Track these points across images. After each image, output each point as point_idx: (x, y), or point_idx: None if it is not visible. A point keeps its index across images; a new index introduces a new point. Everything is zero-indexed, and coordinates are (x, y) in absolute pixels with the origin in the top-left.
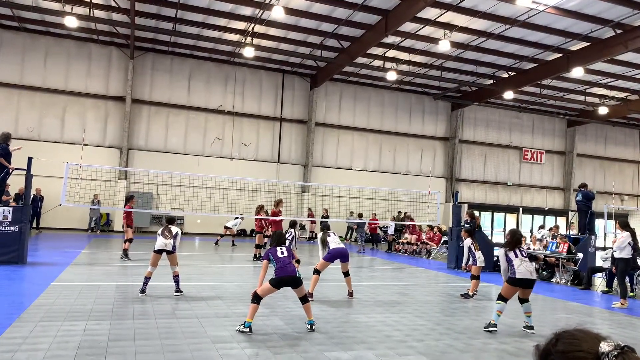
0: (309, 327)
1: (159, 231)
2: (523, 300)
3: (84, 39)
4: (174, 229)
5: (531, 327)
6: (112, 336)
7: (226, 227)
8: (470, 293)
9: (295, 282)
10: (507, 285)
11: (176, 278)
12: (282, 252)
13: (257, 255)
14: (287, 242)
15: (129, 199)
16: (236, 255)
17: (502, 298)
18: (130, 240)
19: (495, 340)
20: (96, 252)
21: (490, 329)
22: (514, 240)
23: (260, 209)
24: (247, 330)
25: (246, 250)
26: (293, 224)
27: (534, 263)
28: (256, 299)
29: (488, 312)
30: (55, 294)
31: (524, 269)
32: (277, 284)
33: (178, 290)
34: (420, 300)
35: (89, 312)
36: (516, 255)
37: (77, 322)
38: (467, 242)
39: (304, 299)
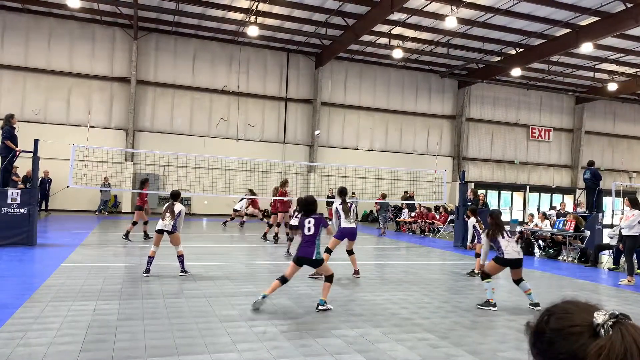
0: (317, 305)
1: (164, 207)
2: (517, 281)
3: (87, 20)
4: (177, 207)
5: (536, 304)
6: (122, 316)
7: (235, 210)
8: (476, 271)
9: (312, 263)
10: (494, 264)
11: (180, 258)
12: (308, 229)
13: (274, 236)
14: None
15: (144, 182)
16: (243, 235)
17: (487, 276)
18: (145, 222)
19: (501, 318)
20: (105, 233)
21: (491, 308)
22: (498, 223)
23: (277, 190)
24: (260, 298)
25: (253, 230)
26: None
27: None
28: (282, 278)
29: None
30: (65, 275)
31: (511, 249)
32: (297, 261)
33: (183, 271)
34: (426, 279)
35: (99, 292)
36: (502, 236)
37: (87, 302)
38: (472, 220)
39: (327, 278)
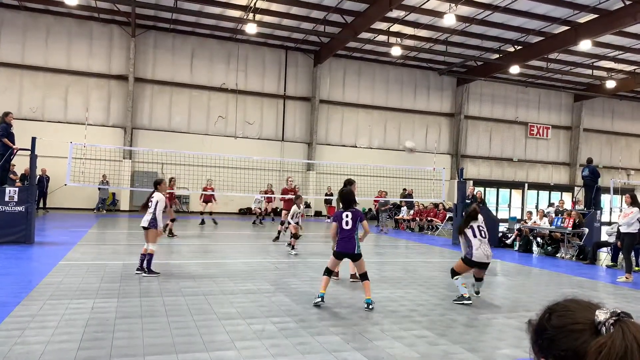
0: (366, 305)
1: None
2: (478, 279)
3: (85, 17)
4: (155, 197)
5: (477, 292)
6: (120, 314)
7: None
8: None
9: (353, 257)
10: (462, 263)
11: (149, 257)
12: (346, 222)
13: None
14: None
15: (169, 180)
16: (241, 234)
17: (456, 273)
18: (172, 220)
19: (500, 315)
20: (103, 231)
21: (465, 302)
22: (470, 217)
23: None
24: (319, 300)
25: (252, 229)
26: (296, 199)
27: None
28: (326, 272)
29: (492, 286)
30: (63, 273)
31: (482, 252)
32: (337, 256)
33: (142, 269)
34: (425, 276)
35: (97, 290)
36: (474, 235)
37: (84, 300)
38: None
39: (363, 276)
